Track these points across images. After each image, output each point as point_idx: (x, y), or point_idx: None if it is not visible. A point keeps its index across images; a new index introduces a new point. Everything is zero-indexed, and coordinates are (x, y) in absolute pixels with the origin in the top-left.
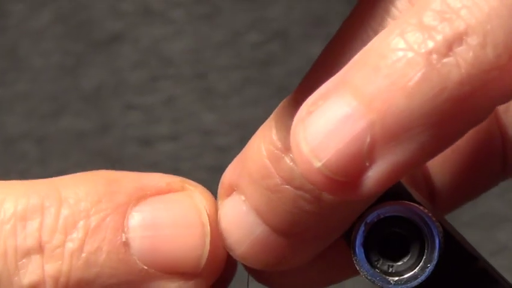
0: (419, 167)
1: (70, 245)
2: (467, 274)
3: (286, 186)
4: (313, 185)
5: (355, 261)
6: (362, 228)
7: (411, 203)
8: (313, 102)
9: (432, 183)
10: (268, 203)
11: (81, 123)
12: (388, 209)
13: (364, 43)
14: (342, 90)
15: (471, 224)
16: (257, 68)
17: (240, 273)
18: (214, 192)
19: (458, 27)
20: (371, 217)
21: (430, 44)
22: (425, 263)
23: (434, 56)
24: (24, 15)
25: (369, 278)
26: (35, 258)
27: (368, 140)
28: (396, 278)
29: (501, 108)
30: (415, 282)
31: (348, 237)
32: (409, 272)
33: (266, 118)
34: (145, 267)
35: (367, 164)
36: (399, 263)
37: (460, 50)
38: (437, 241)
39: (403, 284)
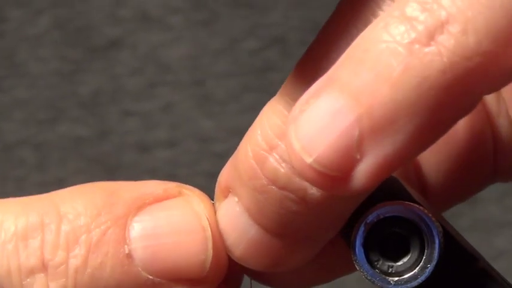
0: (411, 159)
1: (73, 262)
2: (467, 274)
3: (272, 187)
4: (308, 182)
5: (355, 262)
6: (362, 228)
7: (411, 203)
8: (305, 101)
9: (425, 183)
10: (257, 204)
11: (79, 129)
12: (388, 209)
13: (348, 43)
14: (330, 87)
15: (469, 228)
16: (255, 75)
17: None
18: (212, 198)
19: (440, 16)
20: (371, 217)
21: (412, 35)
22: (425, 263)
23: (417, 46)
24: (22, 21)
25: (369, 278)
26: (39, 277)
27: (357, 133)
28: (396, 278)
29: (494, 111)
30: (415, 283)
31: (347, 237)
32: (409, 272)
33: None
34: (151, 277)
35: (358, 157)
36: (399, 263)
37: (441, 38)
38: (437, 241)
39: (403, 284)
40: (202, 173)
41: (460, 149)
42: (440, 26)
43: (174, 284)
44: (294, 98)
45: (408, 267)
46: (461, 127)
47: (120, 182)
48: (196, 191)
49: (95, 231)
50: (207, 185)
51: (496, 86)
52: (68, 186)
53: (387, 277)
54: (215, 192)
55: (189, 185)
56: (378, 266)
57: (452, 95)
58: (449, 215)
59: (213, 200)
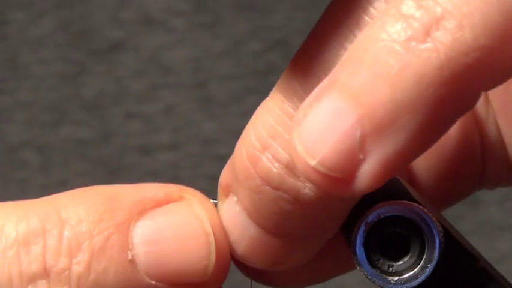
0: (414, 159)
1: (76, 268)
2: (468, 274)
3: (266, 187)
4: (313, 184)
5: (355, 261)
6: (362, 228)
7: (411, 203)
8: (308, 105)
9: (414, 186)
10: (254, 203)
11: (81, 131)
12: (388, 209)
13: (340, 42)
14: (331, 90)
15: (471, 232)
16: (257, 77)
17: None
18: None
19: (435, 12)
20: (371, 217)
21: (409, 32)
22: (425, 263)
23: (413, 43)
24: (24, 23)
25: (369, 277)
26: (41, 284)
27: (358, 134)
28: (396, 278)
29: (483, 118)
30: (415, 282)
31: (348, 236)
32: (410, 272)
33: None
34: (153, 282)
35: (361, 157)
36: (399, 263)
37: (437, 34)
38: (437, 241)
39: (404, 283)
40: (204, 175)
41: (450, 154)
42: (436, 22)
43: None
44: (287, 97)
45: (408, 267)
46: (451, 133)
47: (120, 186)
48: (198, 195)
49: (98, 237)
50: (210, 188)
51: (494, 82)
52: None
53: (387, 276)
54: (217, 192)
55: (192, 187)
56: (378, 265)
57: (451, 91)
58: (450, 218)
59: (216, 199)
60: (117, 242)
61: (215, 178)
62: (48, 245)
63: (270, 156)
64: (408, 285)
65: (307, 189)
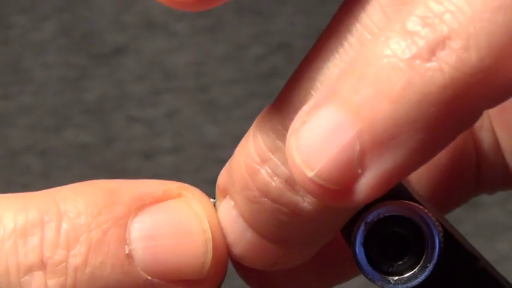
0: (412, 172)
1: (73, 260)
2: (468, 274)
3: (264, 199)
4: (309, 194)
5: (355, 261)
6: (362, 227)
7: (411, 203)
8: (306, 113)
9: None
10: (251, 212)
11: (83, 136)
12: (388, 209)
13: (340, 56)
14: (331, 101)
15: (472, 233)
16: (260, 81)
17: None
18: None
19: (441, 31)
20: (371, 217)
21: (413, 50)
22: (425, 263)
23: (418, 62)
24: (27, 27)
25: (369, 277)
26: (38, 275)
27: (358, 148)
28: (396, 278)
29: (477, 125)
30: (415, 282)
31: (348, 236)
32: (409, 272)
33: None
34: (150, 278)
35: (359, 171)
36: (399, 263)
37: (443, 54)
38: (437, 241)
39: (403, 283)
40: (207, 179)
41: (444, 162)
42: (442, 42)
43: (173, 285)
44: (289, 111)
45: (408, 267)
46: None
47: (120, 181)
48: (197, 192)
49: (96, 230)
50: (212, 192)
51: (496, 101)
52: None
53: (387, 276)
54: (216, 191)
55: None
56: (378, 265)
57: (453, 111)
58: (451, 220)
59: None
60: (114, 236)
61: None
62: (46, 237)
63: (269, 170)
64: (408, 285)
65: (306, 203)
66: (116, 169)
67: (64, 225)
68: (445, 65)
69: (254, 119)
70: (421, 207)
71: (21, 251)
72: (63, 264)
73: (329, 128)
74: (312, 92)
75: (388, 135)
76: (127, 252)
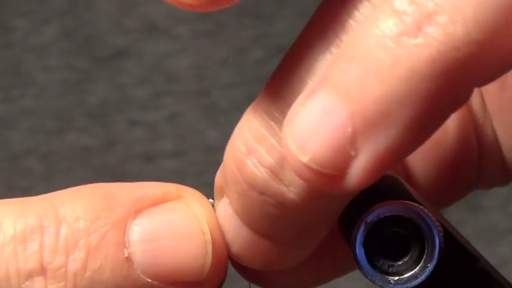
0: (406, 155)
1: (73, 265)
2: (468, 274)
3: (253, 191)
4: (305, 182)
5: (355, 261)
6: (362, 227)
7: (411, 203)
8: (300, 103)
9: (412, 186)
10: (243, 207)
11: (85, 139)
12: (388, 209)
13: (326, 47)
14: (323, 87)
15: (473, 237)
16: (261, 85)
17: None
18: None
19: (427, 7)
20: (371, 217)
21: (401, 27)
22: (425, 263)
23: (405, 38)
24: (28, 31)
25: (369, 277)
26: (38, 280)
27: (350, 130)
28: (396, 278)
29: (480, 121)
30: (415, 282)
31: (348, 236)
32: (409, 272)
33: None
34: (150, 280)
35: (353, 153)
36: (399, 263)
37: (429, 29)
38: (437, 241)
39: (403, 283)
40: (208, 183)
41: (448, 155)
42: (428, 17)
43: (173, 287)
44: (273, 101)
45: (408, 267)
46: (450, 135)
47: (118, 184)
48: (196, 194)
49: (94, 234)
50: (213, 195)
51: (486, 78)
52: None
53: (387, 276)
54: (214, 192)
55: None
56: (378, 265)
57: (442, 86)
58: (452, 223)
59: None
60: (113, 240)
61: None
62: (46, 242)
63: (255, 161)
64: (408, 285)
65: (291, 193)
66: (117, 172)
67: (63, 230)
68: (432, 40)
69: None
70: (421, 207)
71: (21, 257)
72: (63, 269)
73: (321, 113)
74: (297, 82)
75: (379, 115)
76: (126, 255)
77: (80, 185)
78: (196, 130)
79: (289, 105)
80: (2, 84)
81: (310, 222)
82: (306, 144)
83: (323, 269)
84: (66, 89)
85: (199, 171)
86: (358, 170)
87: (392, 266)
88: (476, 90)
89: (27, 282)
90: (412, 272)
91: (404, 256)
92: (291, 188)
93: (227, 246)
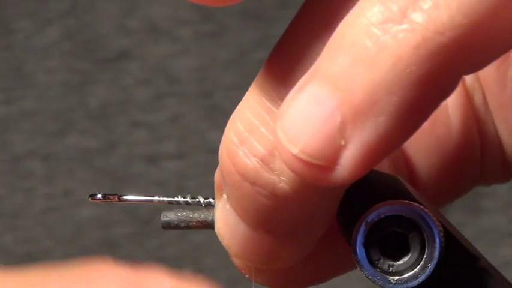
0: (396, 145)
1: None
2: (468, 274)
3: (245, 183)
4: (296, 174)
5: (355, 261)
6: (363, 227)
7: (412, 203)
8: (291, 98)
9: (415, 184)
10: (237, 200)
11: (87, 141)
12: (388, 209)
13: (316, 36)
14: (313, 79)
15: (474, 239)
16: None
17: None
18: None
19: None
20: (372, 216)
21: (386, 14)
22: (426, 263)
23: (390, 25)
24: (30, 32)
25: (370, 277)
26: None
27: (339, 119)
28: (397, 278)
29: (483, 116)
30: (416, 282)
31: (348, 236)
32: (410, 272)
33: None
34: None
35: (342, 143)
36: (400, 263)
37: (414, 15)
38: (437, 240)
39: (404, 283)
40: (210, 184)
41: (451, 152)
42: (413, 3)
43: None
44: (264, 91)
45: (409, 267)
46: (453, 132)
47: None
48: None
49: None
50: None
51: (473, 64)
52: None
53: (388, 276)
54: (215, 192)
55: (198, 195)
56: (379, 265)
57: (428, 72)
58: (453, 225)
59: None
60: None
61: None
62: None
63: (246, 151)
64: (408, 285)
65: (282, 183)
66: (119, 174)
67: None
68: (417, 25)
69: None
70: (421, 207)
71: None
72: None
73: (311, 105)
74: (287, 71)
75: (367, 103)
76: None
77: (82, 186)
78: (198, 132)
79: (279, 94)
80: (4, 86)
81: (306, 215)
82: (295, 136)
83: (323, 267)
84: (68, 90)
85: (201, 172)
86: (349, 160)
87: (392, 265)
88: (478, 87)
89: None
90: (412, 272)
91: (405, 256)
92: (282, 178)
93: (228, 249)
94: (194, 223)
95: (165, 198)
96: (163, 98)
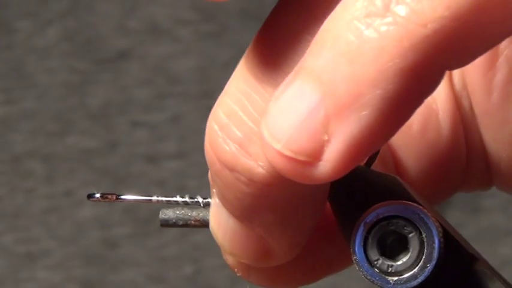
0: (381, 141)
1: None
2: (467, 274)
3: (226, 170)
4: (280, 171)
5: (354, 261)
6: (361, 228)
7: (411, 203)
8: (278, 94)
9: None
10: (221, 190)
11: (87, 141)
12: (387, 209)
13: (296, 28)
14: (298, 75)
15: (474, 238)
16: None
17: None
18: None
19: None
20: (370, 217)
21: (369, 8)
22: (424, 263)
23: (374, 19)
24: (30, 32)
25: (368, 277)
26: None
27: (322, 114)
28: (396, 278)
29: (469, 124)
30: (415, 282)
31: (347, 236)
32: (409, 272)
33: None
34: None
35: (326, 138)
36: (399, 263)
37: (397, 8)
38: (436, 241)
39: (403, 283)
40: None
41: (439, 156)
42: None
43: None
44: (244, 77)
45: (408, 267)
46: (443, 136)
47: None
48: None
49: None
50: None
51: (456, 58)
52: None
53: (387, 276)
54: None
55: (197, 195)
56: (378, 265)
57: (411, 65)
58: (453, 225)
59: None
60: None
61: None
62: None
63: (225, 136)
64: (407, 285)
65: (260, 168)
66: (120, 174)
67: None
68: (399, 18)
69: None
70: (420, 207)
71: None
72: None
73: (295, 100)
74: (267, 57)
75: (350, 96)
76: None
77: (83, 186)
78: (198, 131)
79: (260, 81)
80: (4, 86)
81: (289, 204)
82: (279, 131)
83: (316, 266)
84: (68, 90)
85: (202, 172)
86: (332, 156)
87: (391, 266)
88: (465, 95)
89: None
90: (411, 272)
91: (404, 256)
92: (259, 163)
93: (222, 247)
94: (192, 221)
95: (164, 198)
96: (164, 98)
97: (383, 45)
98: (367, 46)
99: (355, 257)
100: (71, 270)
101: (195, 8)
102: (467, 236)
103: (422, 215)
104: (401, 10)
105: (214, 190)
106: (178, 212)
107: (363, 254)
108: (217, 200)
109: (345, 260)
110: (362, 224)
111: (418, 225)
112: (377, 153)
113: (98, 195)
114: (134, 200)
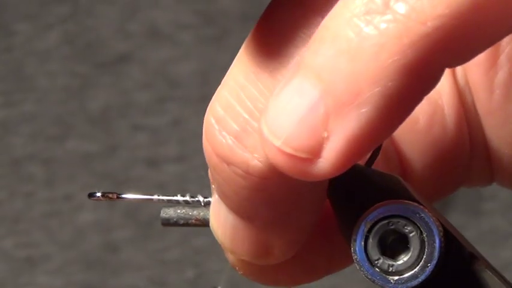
0: (381, 138)
1: None
2: (468, 273)
3: (223, 164)
4: (280, 169)
5: (355, 261)
6: (362, 227)
7: (411, 202)
8: (277, 91)
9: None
10: (219, 185)
11: (87, 144)
12: (388, 208)
13: (291, 15)
14: (298, 72)
15: (475, 241)
16: None
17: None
18: None
19: None
20: (371, 216)
21: (369, 6)
22: (425, 262)
23: (373, 16)
24: (30, 35)
25: (369, 277)
26: None
27: (322, 110)
28: (396, 277)
29: (472, 121)
30: (415, 282)
31: (347, 236)
32: (409, 271)
33: None
34: None
35: (325, 135)
36: (399, 262)
37: (397, 5)
38: (437, 240)
39: (403, 283)
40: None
41: (444, 152)
42: None
43: None
44: (241, 69)
45: (408, 266)
46: (448, 132)
47: None
48: None
49: None
50: None
51: (455, 56)
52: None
53: (387, 276)
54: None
55: (199, 195)
56: (378, 265)
57: (411, 63)
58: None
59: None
60: None
61: None
62: None
63: (221, 129)
64: (408, 284)
65: (256, 160)
66: (120, 177)
67: None
68: (399, 16)
69: None
70: (421, 207)
71: None
72: None
73: (294, 97)
74: (264, 49)
75: (349, 94)
76: None
77: (83, 190)
78: (199, 135)
79: (256, 73)
80: (4, 89)
81: (286, 199)
82: (279, 128)
83: (317, 264)
84: (68, 94)
85: (202, 176)
86: (332, 153)
87: (392, 265)
88: (468, 91)
89: None
90: (412, 272)
91: (405, 256)
92: (255, 155)
93: (222, 245)
94: (193, 221)
95: (165, 197)
96: (164, 101)
97: (383, 42)
98: (366, 43)
99: (355, 257)
100: (72, 275)
101: (195, 12)
102: (468, 238)
103: (423, 215)
104: (401, 8)
105: (213, 186)
106: (179, 211)
107: (364, 254)
108: (216, 196)
109: (345, 259)
110: (363, 224)
111: (419, 225)
112: (378, 152)
113: (99, 194)
114: (135, 199)
